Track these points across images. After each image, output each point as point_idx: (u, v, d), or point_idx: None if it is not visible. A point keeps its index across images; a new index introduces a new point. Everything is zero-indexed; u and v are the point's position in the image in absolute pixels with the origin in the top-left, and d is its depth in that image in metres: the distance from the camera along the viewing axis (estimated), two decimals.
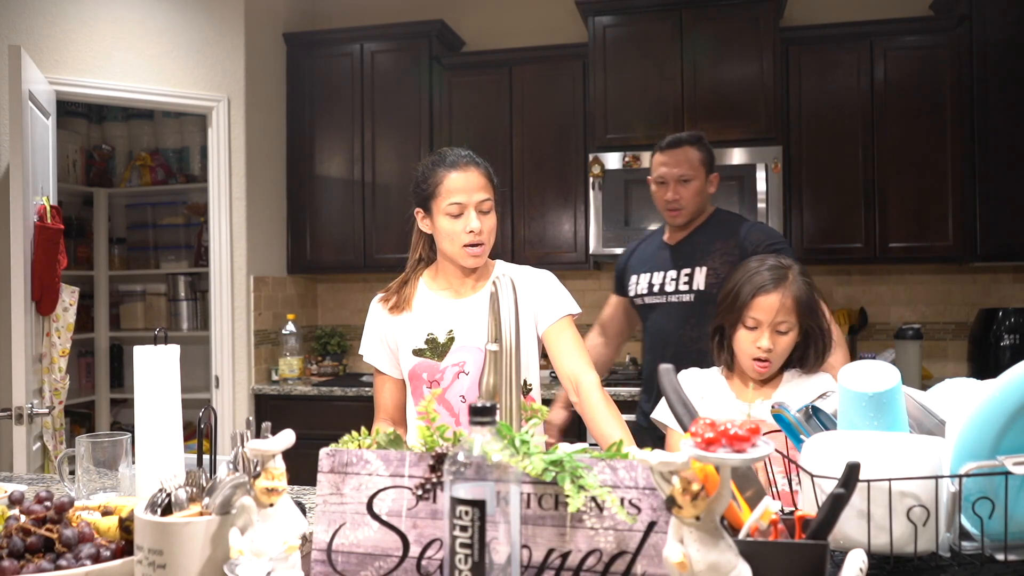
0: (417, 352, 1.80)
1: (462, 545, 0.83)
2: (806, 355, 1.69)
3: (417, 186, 1.81)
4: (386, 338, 1.85)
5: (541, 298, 1.79)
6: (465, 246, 1.73)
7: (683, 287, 2.44)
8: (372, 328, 1.87)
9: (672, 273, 2.48)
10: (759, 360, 1.67)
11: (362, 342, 1.89)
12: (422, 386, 1.80)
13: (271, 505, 0.96)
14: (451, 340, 1.78)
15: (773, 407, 1.33)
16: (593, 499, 0.92)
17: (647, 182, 2.60)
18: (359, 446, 1.06)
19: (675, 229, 2.53)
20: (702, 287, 2.41)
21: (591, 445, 1.12)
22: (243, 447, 1.05)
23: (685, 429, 1.22)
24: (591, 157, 3.62)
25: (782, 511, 1.03)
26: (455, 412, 1.76)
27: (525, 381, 1.80)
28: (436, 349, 1.79)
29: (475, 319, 1.77)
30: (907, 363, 3.40)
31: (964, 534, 1.13)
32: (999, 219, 3.39)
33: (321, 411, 3.70)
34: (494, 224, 1.78)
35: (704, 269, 2.42)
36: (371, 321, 1.88)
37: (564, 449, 0.95)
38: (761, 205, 3.47)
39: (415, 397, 1.82)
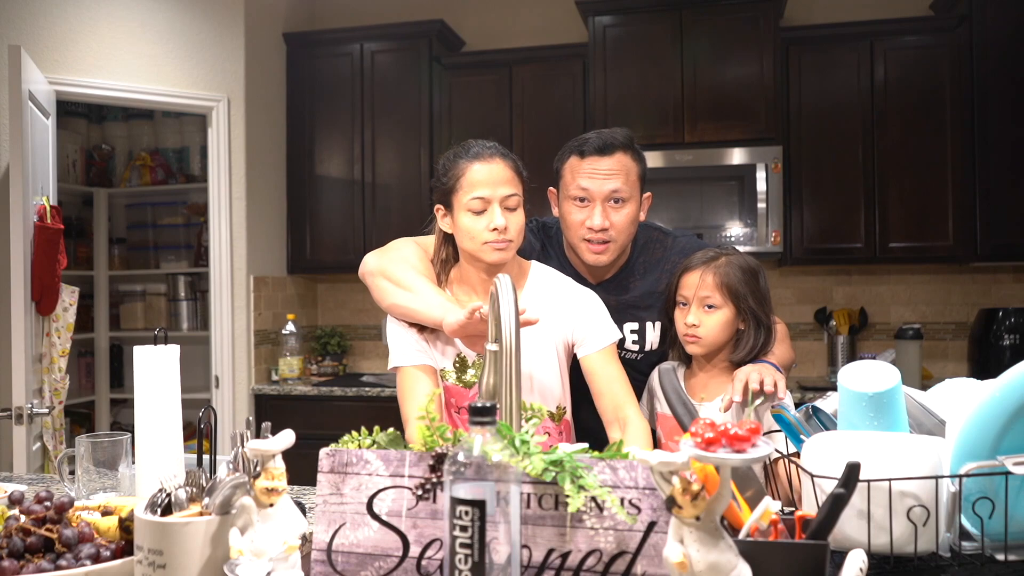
0: (444, 374, 1.66)
1: (462, 545, 0.83)
2: (739, 343, 1.67)
3: (437, 180, 1.63)
4: (421, 343, 1.67)
5: (585, 323, 1.64)
6: (487, 242, 1.56)
7: (630, 345, 1.84)
8: (401, 335, 1.67)
9: None
10: (688, 336, 1.68)
11: (392, 355, 1.67)
12: (451, 411, 1.67)
13: (271, 505, 0.95)
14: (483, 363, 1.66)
15: (773, 407, 1.33)
16: (593, 499, 0.92)
17: (549, 195, 1.89)
18: (359, 446, 1.06)
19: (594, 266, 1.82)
20: (655, 346, 1.84)
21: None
22: (243, 447, 1.05)
23: (685, 429, 1.22)
24: None
25: (782, 511, 1.03)
26: None
27: (558, 406, 1.68)
28: (465, 372, 1.64)
29: None
30: (907, 363, 3.41)
31: (964, 534, 1.13)
32: (999, 219, 3.39)
33: (321, 411, 3.70)
34: (522, 222, 1.60)
35: (658, 324, 1.83)
36: (397, 331, 1.68)
37: (564, 449, 0.95)
38: (761, 205, 3.47)
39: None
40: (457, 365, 1.66)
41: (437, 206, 1.65)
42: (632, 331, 1.83)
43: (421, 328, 1.65)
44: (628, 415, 1.60)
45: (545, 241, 1.91)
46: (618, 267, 1.85)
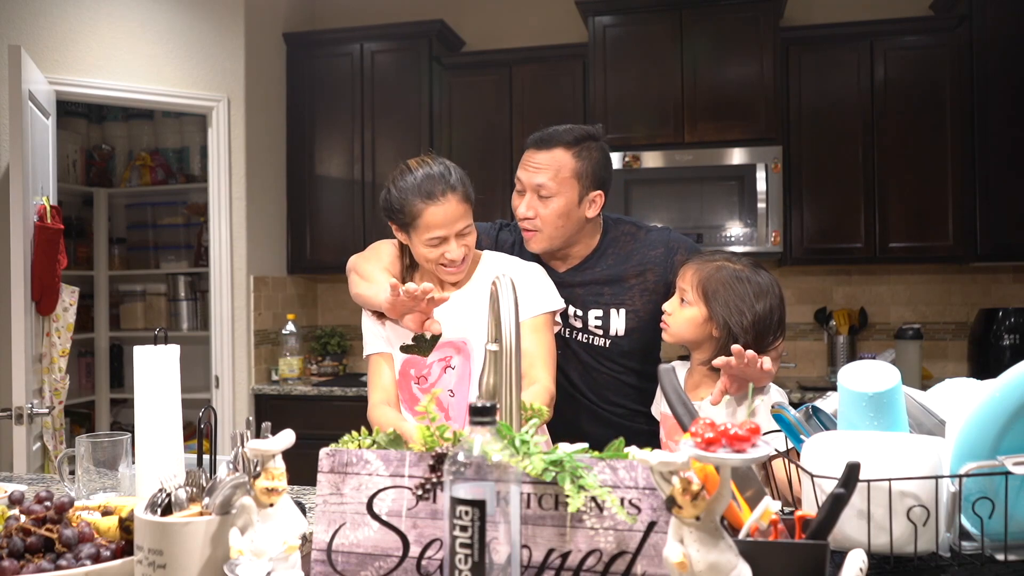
0: (405, 348, 1.80)
1: (462, 545, 0.83)
2: (710, 349, 1.66)
3: (391, 210, 1.73)
4: (386, 331, 1.83)
5: (520, 291, 1.74)
6: (443, 265, 1.71)
7: (595, 328, 1.88)
8: (369, 326, 1.85)
9: (575, 310, 1.89)
10: (662, 321, 1.72)
11: (364, 344, 1.86)
12: (410, 382, 1.80)
13: (271, 505, 0.96)
14: (436, 336, 1.77)
15: (773, 407, 1.33)
16: (593, 499, 0.92)
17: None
18: (359, 446, 1.06)
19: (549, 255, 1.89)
20: (621, 332, 1.87)
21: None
22: (243, 447, 1.05)
23: (685, 429, 1.22)
24: None
25: (782, 511, 1.03)
26: (444, 407, 1.75)
27: None
28: (423, 345, 1.78)
29: (460, 313, 1.75)
30: (907, 363, 3.41)
31: (964, 534, 1.13)
32: (999, 219, 3.39)
33: (321, 411, 3.70)
34: (473, 240, 1.74)
35: (623, 311, 1.86)
36: (367, 322, 1.86)
37: (564, 449, 0.95)
38: (761, 205, 3.47)
39: (402, 393, 1.81)
40: (416, 339, 1.78)
41: (392, 224, 1.77)
42: (596, 317, 1.88)
43: (381, 315, 1.79)
44: (538, 375, 1.68)
45: (518, 237, 1.98)
46: (583, 256, 1.90)
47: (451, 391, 1.76)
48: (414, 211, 1.68)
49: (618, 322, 1.87)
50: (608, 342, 1.89)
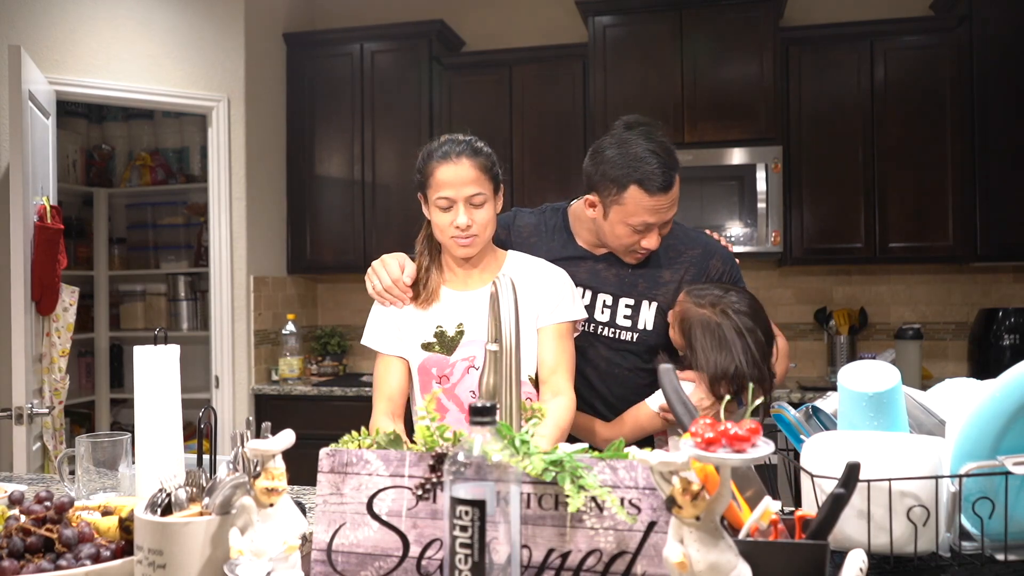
0: (426, 346, 1.76)
1: (462, 545, 0.83)
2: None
3: (416, 173, 1.74)
4: (397, 324, 1.78)
5: (546, 296, 1.74)
6: (453, 237, 1.68)
7: (623, 321, 1.86)
8: (382, 313, 1.80)
9: (605, 298, 1.86)
10: None
11: (367, 329, 1.80)
12: (432, 381, 1.76)
13: (271, 505, 0.96)
14: (460, 334, 1.75)
15: (773, 407, 1.34)
16: (593, 499, 0.92)
17: (586, 203, 1.81)
18: (359, 446, 1.06)
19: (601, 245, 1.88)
20: (649, 327, 1.85)
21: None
22: (243, 447, 1.05)
23: (685, 429, 1.22)
24: None
25: (782, 511, 1.03)
26: (465, 408, 1.72)
27: (530, 376, 1.75)
28: (445, 343, 1.75)
29: (485, 312, 1.71)
30: (907, 363, 3.41)
31: (964, 534, 1.13)
32: (999, 219, 3.39)
33: (321, 411, 3.70)
34: (489, 217, 1.69)
35: (654, 305, 1.85)
36: (379, 312, 1.80)
37: (564, 449, 0.95)
38: (761, 205, 3.47)
39: (423, 392, 1.77)
40: (437, 336, 1.76)
41: (419, 194, 1.76)
42: (627, 305, 1.86)
43: (413, 297, 1.77)
44: (560, 386, 1.69)
45: (542, 220, 1.96)
46: None
47: (473, 392, 1.72)
48: (427, 170, 1.69)
49: (648, 315, 1.85)
50: (635, 336, 1.86)
